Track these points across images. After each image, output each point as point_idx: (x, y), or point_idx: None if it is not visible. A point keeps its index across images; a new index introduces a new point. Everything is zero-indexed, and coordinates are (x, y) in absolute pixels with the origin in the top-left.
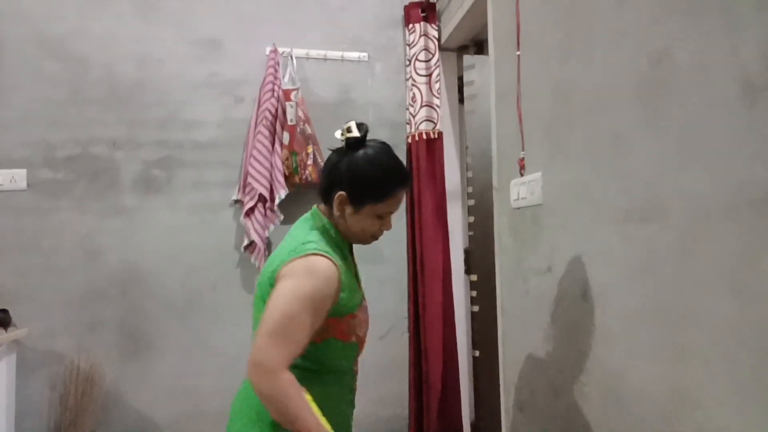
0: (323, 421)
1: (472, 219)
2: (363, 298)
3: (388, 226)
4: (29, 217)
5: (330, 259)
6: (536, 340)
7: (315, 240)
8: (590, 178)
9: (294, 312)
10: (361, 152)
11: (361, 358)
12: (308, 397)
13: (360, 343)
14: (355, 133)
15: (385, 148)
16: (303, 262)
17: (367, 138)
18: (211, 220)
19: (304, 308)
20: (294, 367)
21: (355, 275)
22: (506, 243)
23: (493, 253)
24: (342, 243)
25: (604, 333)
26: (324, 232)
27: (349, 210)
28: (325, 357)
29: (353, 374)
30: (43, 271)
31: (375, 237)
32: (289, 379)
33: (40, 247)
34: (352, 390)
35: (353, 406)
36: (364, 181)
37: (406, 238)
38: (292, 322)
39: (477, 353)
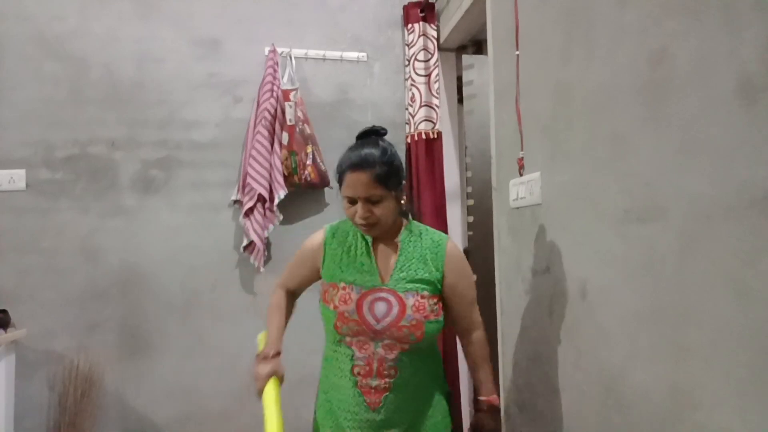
0: (275, 334)
1: (471, 219)
2: (373, 284)
3: (360, 212)
4: (28, 218)
5: (324, 230)
6: (536, 340)
7: (338, 221)
8: (590, 178)
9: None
10: None
11: None
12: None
13: (339, 316)
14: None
15: (357, 140)
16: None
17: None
18: (211, 220)
19: (296, 254)
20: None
21: (422, 267)
22: (505, 243)
23: (492, 252)
24: (357, 232)
25: (603, 333)
26: (347, 220)
27: None
28: (322, 317)
29: (349, 350)
30: (42, 271)
31: (356, 223)
32: (276, 294)
33: (39, 247)
34: (355, 371)
35: (360, 390)
36: (337, 168)
37: None
38: (291, 261)
39: None
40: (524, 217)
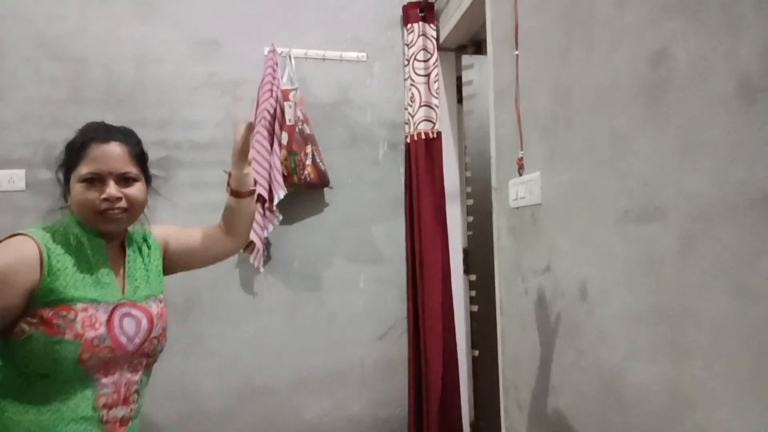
0: None
1: (471, 219)
2: (116, 298)
3: (111, 192)
4: (28, 218)
5: (33, 240)
6: (535, 340)
7: (34, 228)
8: (590, 177)
9: None
10: None
11: (360, 358)
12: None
13: (88, 345)
14: None
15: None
16: (4, 242)
17: None
18: (211, 220)
19: None
20: (5, 377)
21: (146, 271)
22: (505, 243)
23: (492, 252)
24: (87, 234)
25: (603, 333)
26: (62, 223)
27: (70, 190)
28: (31, 355)
29: (90, 382)
30: None
31: (99, 210)
32: None
33: None
34: (100, 403)
35: (105, 428)
36: (66, 151)
37: (405, 238)
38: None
39: (476, 353)
40: (524, 217)
